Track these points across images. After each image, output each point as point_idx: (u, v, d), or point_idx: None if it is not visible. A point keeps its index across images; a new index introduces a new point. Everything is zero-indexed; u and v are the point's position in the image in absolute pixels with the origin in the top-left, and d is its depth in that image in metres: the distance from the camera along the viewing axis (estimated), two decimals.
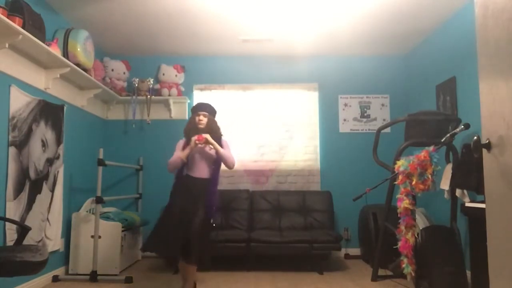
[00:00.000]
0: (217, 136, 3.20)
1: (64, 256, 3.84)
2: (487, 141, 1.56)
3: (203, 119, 3.18)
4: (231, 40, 4.55)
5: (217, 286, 3.53)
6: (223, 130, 3.31)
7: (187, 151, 3.10)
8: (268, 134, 5.03)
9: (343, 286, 3.50)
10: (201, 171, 3.14)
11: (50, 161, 3.55)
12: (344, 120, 5.05)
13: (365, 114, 5.07)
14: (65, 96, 3.86)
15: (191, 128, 3.22)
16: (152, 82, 4.81)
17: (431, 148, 3.12)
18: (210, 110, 3.25)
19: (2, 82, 2.93)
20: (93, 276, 3.61)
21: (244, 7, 3.72)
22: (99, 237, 3.73)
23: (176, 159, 3.13)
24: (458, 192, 3.36)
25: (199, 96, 5.06)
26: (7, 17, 2.65)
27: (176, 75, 4.88)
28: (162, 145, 4.97)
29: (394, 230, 3.33)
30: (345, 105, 5.07)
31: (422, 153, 3.10)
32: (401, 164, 3.22)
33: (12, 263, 2.11)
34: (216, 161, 3.17)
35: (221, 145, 3.16)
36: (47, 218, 3.50)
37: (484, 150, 1.58)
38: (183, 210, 3.00)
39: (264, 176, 4.95)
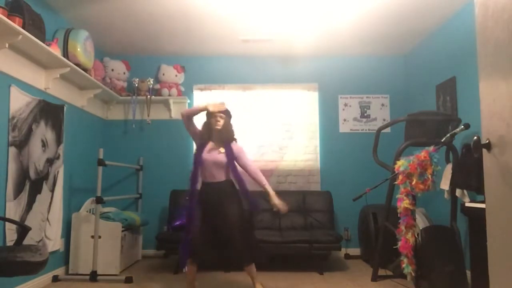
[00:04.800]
0: (229, 138, 3.14)
1: (64, 256, 3.84)
2: (487, 141, 1.56)
3: (220, 120, 3.09)
4: (231, 40, 4.56)
5: (217, 286, 3.53)
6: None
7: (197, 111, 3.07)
8: (268, 134, 5.03)
9: (343, 286, 3.50)
10: (216, 175, 3.06)
11: (50, 161, 3.55)
12: (344, 120, 5.05)
13: (365, 114, 5.06)
14: (65, 96, 3.86)
15: (205, 131, 3.14)
16: (152, 82, 4.80)
17: (431, 148, 3.12)
18: (226, 112, 3.16)
19: (2, 82, 2.93)
20: (93, 276, 3.61)
21: (244, 7, 3.72)
22: (99, 237, 3.73)
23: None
24: (458, 192, 3.36)
25: (199, 96, 5.06)
26: (7, 17, 2.65)
27: (176, 75, 4.88)
28: (162, 145, 4.99)
29: (394, 230, 3.33)
30: (345, 105, 5.07)
31: (422, 153, 3.10)
32: (401, 164, 3.22)
33: (12, 263, 2.11)
34: (229, 163, 3.07)
35: (230, 149, 3.08)
36: (47, 218, 3.50)
37: (484, 150, 1.58)
38: (209, 216, 3.00)
39: (264, 176, 4.93)
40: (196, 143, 3.20)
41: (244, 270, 3.09)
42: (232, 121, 3.23)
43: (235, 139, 3.20)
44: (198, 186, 3.09)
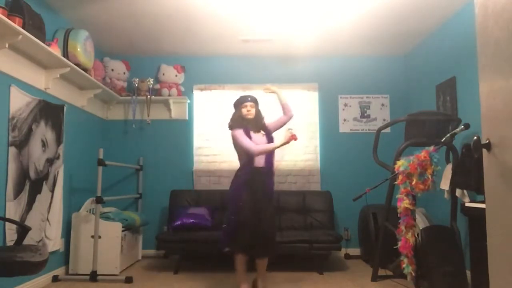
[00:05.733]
0: (263, 123, 3.30)
1: (64, 256, 3.84)
2: (487, 141, 1.56)
3: (250, 110, 3.22)
4: (231, 40, 4.56)
5: (217, 286, 3.53)
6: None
7: (280, 143, 3.09)
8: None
9: (343, 286, 3.50)
10: (260, 160, 3.15)
11: (50, 161, 3.55)
12: (344, 120, 5.05)
13: (365, 114, 5.06)
14: (65, 96, 3.86)
15: (235, 121, 3.22)
16: (152, 82, 4.80)
17: (431, 148, 3.12)
18: (255, 100, 3.28)
19: (2, 82, 2.93)
20: (93, 276, 3.61)
21: (244, 7, 3.72)
22: (99, 237, 3.73)
23: (268, 149, 3.10)
24: (458, 192, 3.36)
25: (199, 96, 5.06)
26: (7, 17, 2.65)
27: (176, 75, 4.88)
28: (162, 145, 4.99)
29: (394, 230, 3.33)
30: (345, 105, 5.07)
31: (422, 153, 3.10)
32: (401, 164, 3.21)
33: (12, 263, 2.11)
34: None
35: (268, 130, 3.28)
36: (47, 218, 3.50)
37: (484, 150, 1.58)
38: (255, 204, 3.05)
39: None
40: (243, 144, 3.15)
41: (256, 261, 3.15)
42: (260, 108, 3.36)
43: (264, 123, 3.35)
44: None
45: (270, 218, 3.16)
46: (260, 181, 3.13)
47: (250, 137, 3.13)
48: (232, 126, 3.24)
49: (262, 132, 3.25)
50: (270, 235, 3.12)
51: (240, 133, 3.13)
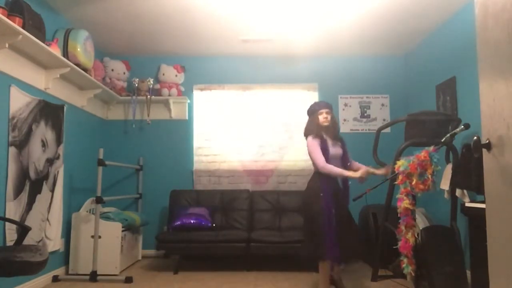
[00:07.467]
0: (337, 131, 3.31)
1: (64, 256, 3.84)
2: (487, 141, 1.56)
3: (327, 116, 3.20)
4: (231, 40, 4.56)
5: (217, 286, 3.53)
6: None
7: (351, 174, 3.06)
8: (268, 134, 5.03)
9: (343, 286, 3.49)
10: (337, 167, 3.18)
11: (50, 161, 3.55)
12: (344, 120, 5.05)
13: (365, 114, 5.06)
14: (65, 96, 3.86)
15: (313, 129, 3.20)
16: (152, 82, 4.80)
17: (431, 148, 3.12)
18: (330, 107, 3.27)
19: (2, 82, 2.93)
20: (93, 276, 3.61)
21: (244, 7, 3.72)
22: (99, 237, 3.73)
23: (337, 173, 3.08)
24: (458, 192, 3.36)
25: (199, 96, 5.06)
26: (7, 17, 2.66)
27: (176, 75, 4.88)
28: (162, 145, 4.99)
29: (394, 230, 3.33)
30: (345, 105, 5.07)
31: (422, 153, 3.10)
32: (401, 164, 3.21)
33: (12, 263, 2.11)
34: (343, 158, 3.23)
35: (343, 143, 3.27)
36: (47, 218, 3.50)
37: (484, 150, 1.58)
38: (336, 211, 3.09)
39: (264, 176, 4.94)
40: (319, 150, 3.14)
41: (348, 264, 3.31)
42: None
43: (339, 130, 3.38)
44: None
45: (350, 223, 3.24)
46: (339, 188, 3.21)
47: (328, 149, 3.11)
48: (307, 134, 3.23)
49: (338, 143, 3.22)
50: (355, 236, 3.25)
51: (314, 143, 3.10)
